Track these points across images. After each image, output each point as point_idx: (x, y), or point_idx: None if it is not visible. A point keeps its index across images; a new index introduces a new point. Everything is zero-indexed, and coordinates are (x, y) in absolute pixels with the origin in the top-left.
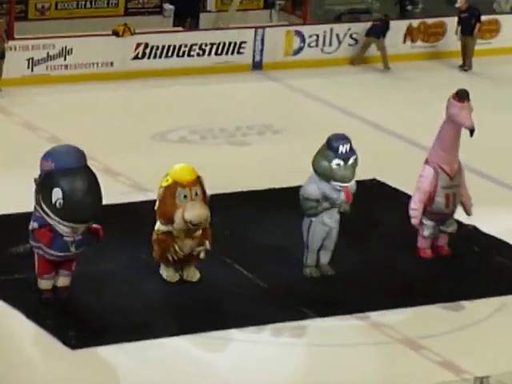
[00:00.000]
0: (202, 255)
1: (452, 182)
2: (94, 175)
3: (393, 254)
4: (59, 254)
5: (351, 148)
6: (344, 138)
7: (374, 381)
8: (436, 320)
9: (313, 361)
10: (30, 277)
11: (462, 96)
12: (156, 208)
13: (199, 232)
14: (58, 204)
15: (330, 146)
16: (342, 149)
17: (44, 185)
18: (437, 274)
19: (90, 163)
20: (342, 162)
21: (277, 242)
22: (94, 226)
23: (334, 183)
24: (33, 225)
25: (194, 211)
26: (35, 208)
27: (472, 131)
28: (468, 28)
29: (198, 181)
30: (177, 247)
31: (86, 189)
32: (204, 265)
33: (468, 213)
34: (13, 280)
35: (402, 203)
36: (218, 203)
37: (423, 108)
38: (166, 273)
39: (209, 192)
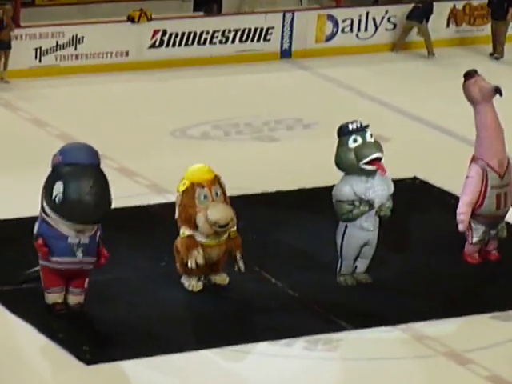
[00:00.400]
0: (241, 267)
1: (502, 181)
2: (103, 176)
3: (437, 260)
4: (64, 259)
5: (362, 126)
6: (352, 121)
7: None
8: (484, 331)
9: (348, 376)
10: (40, 286)
11: (469, 74)
12: (177, 217)
13: (225, 237)
14: (57, 199)
15: (340, 132)
16: (352, 126)
17: (48, 180)
18: (485, 281)
19: (104, 162)
20: (358, 137)
21: (307, 247)
22: (102, 246)
23: (363, 165)
24: (35, 229)
25: (218, 211)
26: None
27: (498, 90)
28: (500, 12)
29: (217, 180)
30: (201, 255)
31: (90, 187)
32: (229, 272)
33: None
34: (22, 290)
35: (447, 204)
36: (243, 205)
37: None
38: (187, 282)
39: (234, 192)
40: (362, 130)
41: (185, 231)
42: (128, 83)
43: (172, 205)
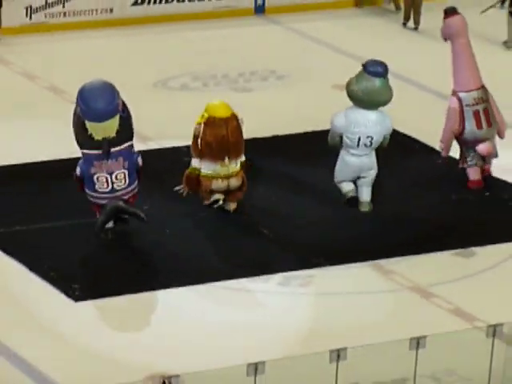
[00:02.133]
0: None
1: (477, 95)
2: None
3: (404, 202)
4: (92, 193)
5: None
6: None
7: (385, 329)
8: (447, 267)
9: (322, 310)
10: (31, 229)
11: (450, 11)
12: (191, 145)
13: (236, 168)
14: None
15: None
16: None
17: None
18: (448, 221)
19: None
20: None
21: (285, 191)
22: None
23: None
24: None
25: None
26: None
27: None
28: None
29: (235, 117)
30: (214, 186)
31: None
32: (214, 215)
33: (501, 135)
34: (13, 232)
35: (421, 151)
36: None
37: (434, 50)
38: (213, 197)
39: None
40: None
41: (195, 164)
42: (112, 38)
43: (154, 151)
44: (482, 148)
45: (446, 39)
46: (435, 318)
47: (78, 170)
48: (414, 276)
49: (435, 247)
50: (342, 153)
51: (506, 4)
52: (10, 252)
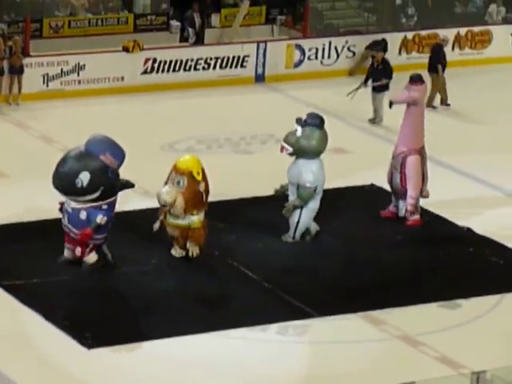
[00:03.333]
0: (194, 254)
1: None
2: (84, 161)
3: (390, 254)
4: (62, 218)
5: (309, 123)
6: (312, 114)
7: (374, 376)
8: (434, 318)
9: (316, 357)
10: (46, 281)
11: (418, 79)
12: (193, 203)
13: (177, 222)
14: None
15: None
16: (303, 116)
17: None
18: (433, 274)
19: None
20: (295, 124)
21: (279, 245)
22: (88, 228)
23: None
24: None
25: (161, 192)
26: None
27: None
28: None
29: (187, 174)
30: (158, 224)
31: (63, 160)
32: (212, 268)
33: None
34: (31, 284)
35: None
36: (224, 209)
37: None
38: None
39: (215, 199)
40: (304, 125)
41: (199, 218)
42: (123, 104)
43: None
44: (426, 193)
45: (408, 104)
46: (423, 365)
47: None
48: (402, 326)
49: (423, 299)
50: (311, 202)
51: (369, 82)
52: (26, 302)
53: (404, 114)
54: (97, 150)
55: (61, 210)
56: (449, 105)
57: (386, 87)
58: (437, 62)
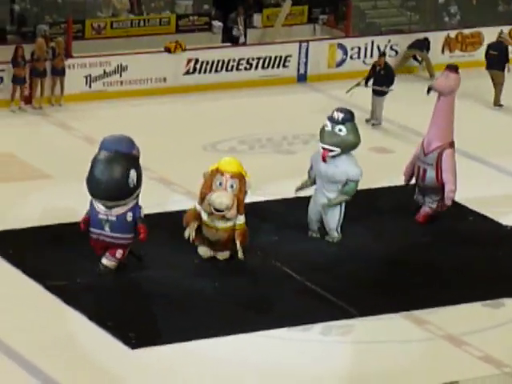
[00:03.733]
0: (240, 256)
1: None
2: (125, 162)
3: (434, 253)
4: (95, 230)
5: (346, 118)
6: (343, 109)
7: (418, 376)
8: (477, 317)
9: (358, 357)
10: (91, 281)
11: (454, 68)
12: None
13: (228, 225)
14: (86, 179)
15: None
16: (335, 115)
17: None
18: (477, 273)
19: (145, 173)
20: (329, 124)
21: (324, 246)
22: (141, 224)
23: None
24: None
25: (218, 196)
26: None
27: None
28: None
29: (240, 176)
30: (193, 229)
31: (104, 168)
32: (255, 268)
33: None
34: (74, 284)
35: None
36: (266, 209)
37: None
38: (199, 249)
39: (258, 199)
40: (337, 123)
41: (195, 205)
42: (166, 105)
43: None
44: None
45: (440, 93)
46: (466, 364)
47: None
48: (446, 325)
49: (466, 298)
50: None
51: (370, 83)
52: (70, 303)
53: (435, 107)
54: (128, 148)
55: (87, 226)
56: (501, 105)
57: (385, 92)
58: (505, 59)
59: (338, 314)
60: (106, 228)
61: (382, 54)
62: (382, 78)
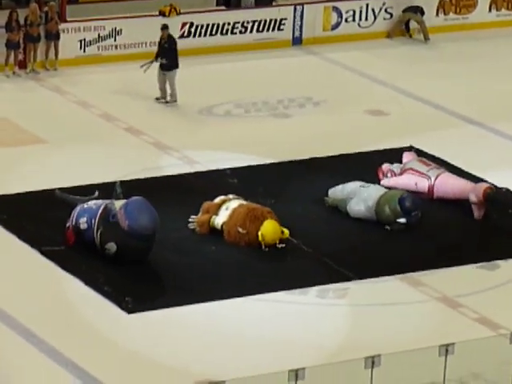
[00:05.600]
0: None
1: None
2: (152, 245)
3: (428, 215)
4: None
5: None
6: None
7: (414, 337)
8: (473, 279)
9: (354, 320)
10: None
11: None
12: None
13: None
14: (106, 251)
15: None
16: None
17: (111, 228)
18: (472, 235)
19: (140, 137)
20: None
21: (320, 209)
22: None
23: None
24: (83, 222)
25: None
26: (94, 215)
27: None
28: None
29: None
30: None
31: (136, 259)
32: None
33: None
34: (72, 249)
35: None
36: (263, 173)
37: (459, 77)
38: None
39: (253, 162)
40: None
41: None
42: None
43: (200, 174)
44: None
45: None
46: (462, 326)
47: None
48: (441, 288)
49: (462, 261)
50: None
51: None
52: (66, 268)
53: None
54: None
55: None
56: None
57: (174, 66)
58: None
59: (335, 277)
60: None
61: (164, 27)
62: (166, 51)
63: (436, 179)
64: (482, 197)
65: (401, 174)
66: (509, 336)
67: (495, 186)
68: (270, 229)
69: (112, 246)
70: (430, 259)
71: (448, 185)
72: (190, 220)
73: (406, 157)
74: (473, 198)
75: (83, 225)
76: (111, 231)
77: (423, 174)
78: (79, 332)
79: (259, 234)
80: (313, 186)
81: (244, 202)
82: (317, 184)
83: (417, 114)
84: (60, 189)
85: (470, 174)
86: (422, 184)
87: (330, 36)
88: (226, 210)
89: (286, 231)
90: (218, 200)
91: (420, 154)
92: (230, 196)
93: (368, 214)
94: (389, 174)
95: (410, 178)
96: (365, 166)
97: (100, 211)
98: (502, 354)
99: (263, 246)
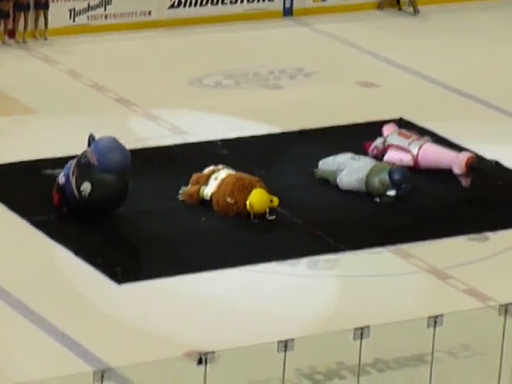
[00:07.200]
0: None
1: None
2: (126, 181)
3: (418, 188)
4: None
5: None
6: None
7: (403, 308)
8: (462, 251)
9: (346, 291)
10: (77, 218)
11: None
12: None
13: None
14: (83, 194)
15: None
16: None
17: (82, 169)
18: (462, 207)
19: (130, 108)
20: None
21: (308, 180)
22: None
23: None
24: (61, 177)
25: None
26: (70, 167)
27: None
28: None
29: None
30: None
31: (111, 196)
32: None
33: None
34: (63, 219)
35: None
36: (252, 144)
37: (450, 49)
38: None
39: (244, 134)
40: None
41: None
42: (151, 39)
43: (190, 145)
44: None
45: None
46: (451, 297)
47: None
48: (431, 259)
49: (452, 232)
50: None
51: None
52: (56, 238)
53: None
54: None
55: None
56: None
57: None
58: None
59: (325, 248)
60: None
61: None
62: None
63: (419, 151)
64: (465, 167)
65: (384, 150)
66: (497, 307)
67: (477, 155)
68: (258, 197)
69: (86, 187)
70: (420, 231)
71: (430, 156)
72: (180, 192)
73: (387, 130)
74: (456, 169)
75: (61, 179)
76: (84, 171)
77: (405, 148)
78: (69, 302)
79: (247, 203)
80: (303, 157)
81: (233, 172)
82: (307, 155)
83: (407, 85)
84: (50, 160)
85: (455, 145)
86: (406, 159)
87: (320, 7)
88: (215, 180)
89: (276, 199)
90: (207, 171)
91: (409, 126)
92: (220, 166)
93: (358, 185)
94: (375, 151)
95: (393, 155)
96: (355, 137)
97: (75, 161)
98: (490, 325)
99: (252, 216)
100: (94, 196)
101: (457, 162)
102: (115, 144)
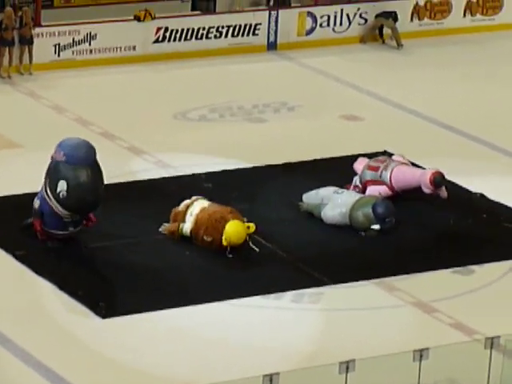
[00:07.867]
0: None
1: None
2: (99, 172)
3: (402, 220)
4: (57, 232)
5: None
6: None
7: (388, 342)
8: (447, 284)
9: (330, 325)
10: (60, 248)
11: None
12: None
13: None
14: (61, 195)
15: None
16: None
17: (53, 173)
18: (447, 240)
19: (115, 142)
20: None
21: (295, 214)
22: (90, 216)
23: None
24: (35, 202)
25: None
26: (42, 187)
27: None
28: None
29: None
30: None
31: (89, 186)
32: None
33: None
34: (46, 253)
35: None
36: (237, 177)
37: (433, 83)
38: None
39: (229, 167)
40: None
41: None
42: (136, 74)
43: (174, 179)
44: None
45: None
46: (437, 331)
47: None
48: (416, 293)
49: (436, 265)
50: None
51: None
52: (40, 271)
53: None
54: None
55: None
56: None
57: None
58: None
59: (310, 282)
60: (71, 228)
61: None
62: None
63: (390, 179)
64: (430, 184)
65: (364, 186)
66: (483, 341)
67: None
68: (233, 230)
69: (62, 185)
70: (405, 264)
71: (401, 180)
72: (160, 230)
73: (358, 166)
74: (425, 189)
75: (36, 203)
76: (54, 173)
77: (378, 181)
78: (53, 337)
79: (223, 238)
80: (287, 191)
81: (206, 204)
82: (291, 189)
83: (391, 118)
84: (34, 194)
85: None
86: (384, 190)
87: (304, 41)
88: (191, 215)
89: (252, 225)
90: (182, 206)
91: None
92: (194, 198)
93: (342, 219)
94: (356, 190)
95: (372, 190)
96: (339, 171)
97: (43, 180)
98: (476, 359)
99: (228, 251)
100: (72, 192)
101: (422, 182)
102: (78, 139)
